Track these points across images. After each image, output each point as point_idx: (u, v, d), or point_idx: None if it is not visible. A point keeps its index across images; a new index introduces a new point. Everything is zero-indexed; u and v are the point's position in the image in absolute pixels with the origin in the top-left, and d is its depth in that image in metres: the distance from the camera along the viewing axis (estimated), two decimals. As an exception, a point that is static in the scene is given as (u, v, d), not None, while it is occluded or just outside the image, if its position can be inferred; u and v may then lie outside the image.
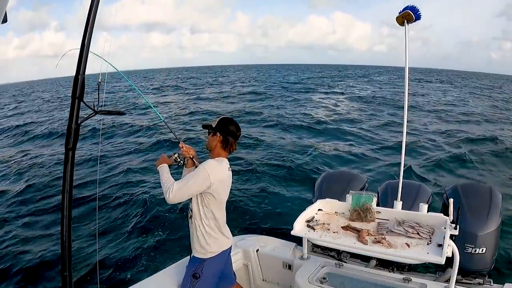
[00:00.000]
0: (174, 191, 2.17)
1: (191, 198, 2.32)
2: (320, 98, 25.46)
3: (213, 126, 2.36)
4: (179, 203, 2.32)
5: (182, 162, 2.46)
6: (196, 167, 2.47)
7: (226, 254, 2.48)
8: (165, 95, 29.98)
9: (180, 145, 2.46)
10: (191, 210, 2.36)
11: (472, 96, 31.33)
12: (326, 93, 29.37)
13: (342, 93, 28.57)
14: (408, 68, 2.60)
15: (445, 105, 22.95)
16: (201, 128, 2.50)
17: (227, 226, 2.48)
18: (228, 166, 2.39)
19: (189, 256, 2.79)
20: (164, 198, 2.24)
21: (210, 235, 2.34)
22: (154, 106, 2.70)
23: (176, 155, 2.47)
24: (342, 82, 43.13)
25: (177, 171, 2.53)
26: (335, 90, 31.30)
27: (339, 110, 19.64)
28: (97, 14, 1.48)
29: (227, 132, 2.34)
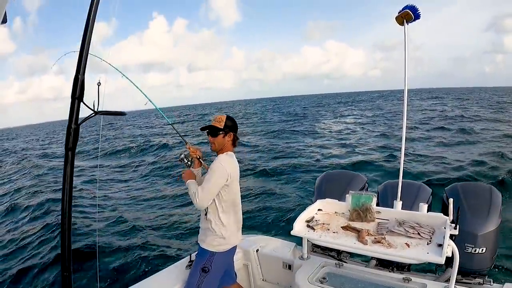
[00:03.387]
0: (199, 194, 2.25)
1: None
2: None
3: (223, 127, 2.39)
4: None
5: (189, 162, 2.53)
6: (203, 167, 2.57)
7: (234, 250, 2.54)
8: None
9: (187, 147, 2.56)
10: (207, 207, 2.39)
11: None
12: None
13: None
14: (407, 69, 2.59)
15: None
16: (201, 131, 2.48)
17: (241, 223, 2.55)
18: (236, 159, 2.48)
19: (188, 257, 2.80)
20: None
21: (226, 227, 2.40)
22: (161, 111, 2.77)
23: (183, 156, 2.55)
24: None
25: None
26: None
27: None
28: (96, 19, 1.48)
29: (234, 130, 2.45)
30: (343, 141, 16.02)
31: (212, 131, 2.40)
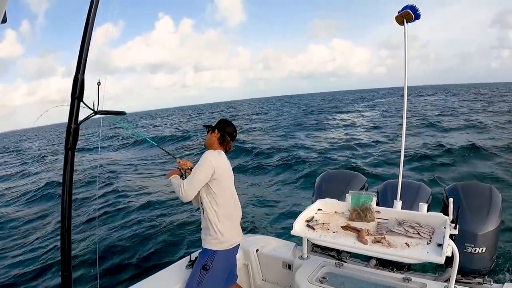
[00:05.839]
0: (185, 187, 2.35)
1: (200, 195, 2.45)
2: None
3: (213, 126, 2.63)
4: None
5: (184, 174, 2.67)
6: None
7: (236, 249, 2.58)
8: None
9: (178, 161, 2.74)
10: (202, 204, 2.48)
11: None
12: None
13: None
14: (407, 69, 2.59)
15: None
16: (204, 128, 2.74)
17: (238, 220, 2.63)
18: (226, 157, 2.60)
19: (188, 256, 2.81)
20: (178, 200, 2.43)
21: (223, 223, 2.45)
22: (149, 138, 3.20)
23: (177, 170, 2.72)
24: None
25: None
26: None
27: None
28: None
29: (224, 131, 2.60)
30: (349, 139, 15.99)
31: (206, 127, 2.69)
